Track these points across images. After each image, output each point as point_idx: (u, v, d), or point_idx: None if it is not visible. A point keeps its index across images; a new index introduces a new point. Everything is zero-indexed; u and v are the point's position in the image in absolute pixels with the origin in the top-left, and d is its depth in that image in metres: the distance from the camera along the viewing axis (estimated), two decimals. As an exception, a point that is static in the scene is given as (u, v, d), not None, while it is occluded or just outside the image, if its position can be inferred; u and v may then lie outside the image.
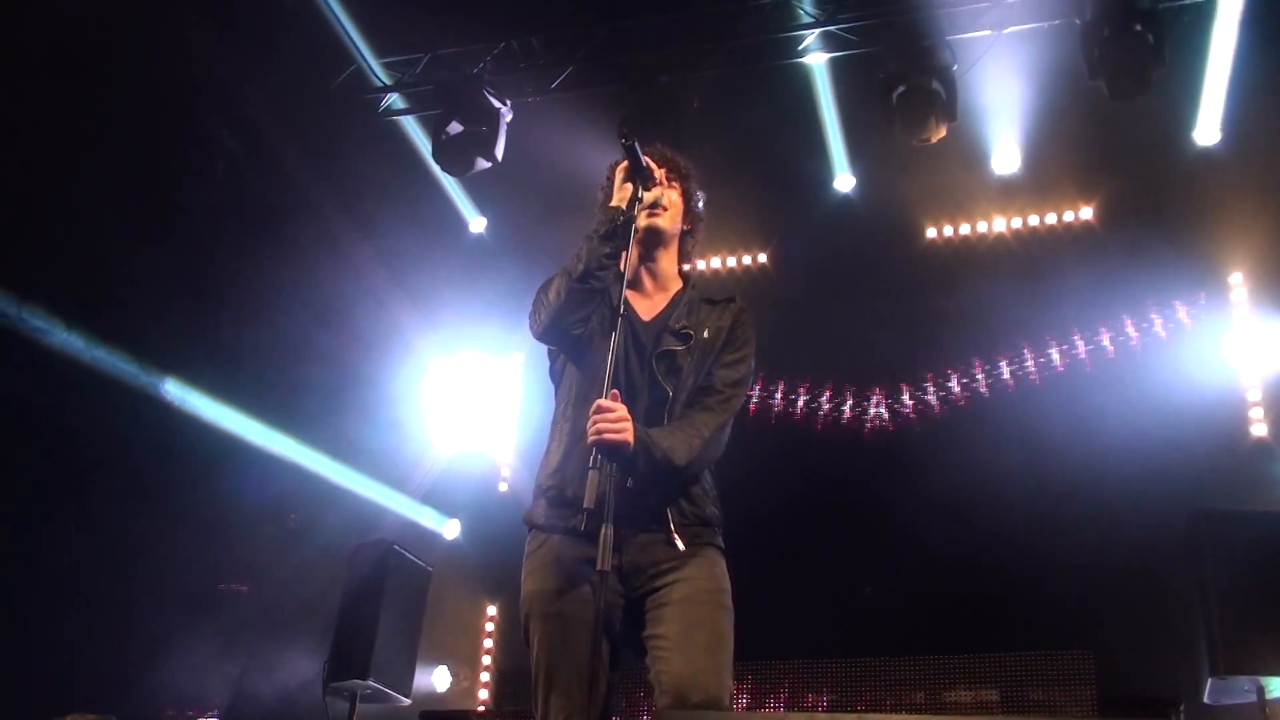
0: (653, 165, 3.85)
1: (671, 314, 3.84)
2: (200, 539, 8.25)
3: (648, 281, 3.95)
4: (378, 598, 7.68)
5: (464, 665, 9.32)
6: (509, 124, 8.56)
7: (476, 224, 9.81)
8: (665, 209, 3.89)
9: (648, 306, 3.90)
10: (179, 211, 8.50)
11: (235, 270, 8.88)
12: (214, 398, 8.37)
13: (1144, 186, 8.43)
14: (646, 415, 3.63)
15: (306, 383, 8.81)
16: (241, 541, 8.65)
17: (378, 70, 8.86)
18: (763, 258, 9.58)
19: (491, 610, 9.44)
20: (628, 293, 3.74)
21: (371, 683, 7.45)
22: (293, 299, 8.83)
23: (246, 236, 8.94)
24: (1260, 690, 6.15)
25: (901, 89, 7.82)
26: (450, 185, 9.44)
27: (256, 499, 8.59)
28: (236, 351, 8.82)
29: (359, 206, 9.12)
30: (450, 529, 9.70)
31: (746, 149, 8.92)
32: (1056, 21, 7.75)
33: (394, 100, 9.02)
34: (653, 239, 3.89)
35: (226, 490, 8.35)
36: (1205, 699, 6.96)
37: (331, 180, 8.92)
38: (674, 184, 3.97)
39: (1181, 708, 7.06)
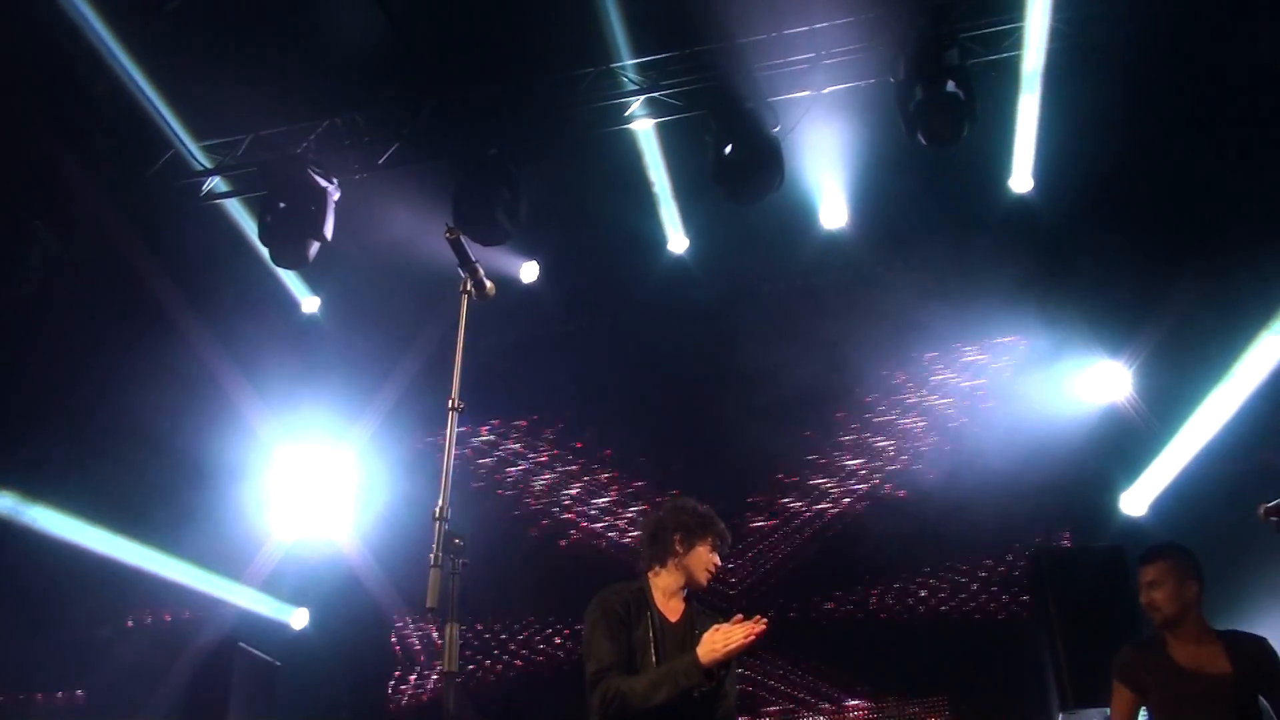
0: None
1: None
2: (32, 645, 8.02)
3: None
4: (224, 696, 7.65)
5: None
6: (337, 202, 8.53)
7: (309, 304, 9.76)
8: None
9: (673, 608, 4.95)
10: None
11: (63, 364, 8.69)
12: (42, 502, 8.16)
13: (964, 233, 8.76)
14: None
15: (143, 475, 8.65)
16: (75, 645, 8.41)
17: (197, 153, 8.79)
18: (600, 319, 9.77)
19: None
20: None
21: None
22: (128, 390, 8.65)
23: (71, 328, 8.75)
24: (1109, 720, 6.39)
25: (728, 150, 8.05)
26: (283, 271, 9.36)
27: (90, 601, 8.38)
28: (67, 451, 8.61)
29: (191, 291, 9.00)
30: (298, 618, 9.59)
31: (580, 216, 9.08)
32: (872, 81, 8.07)
33: (216, 183, 8.95)
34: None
35: (58, 594, 8.13)
36: (1054, 733, 7.27)
37: (159, 266, 8.79)
38: None
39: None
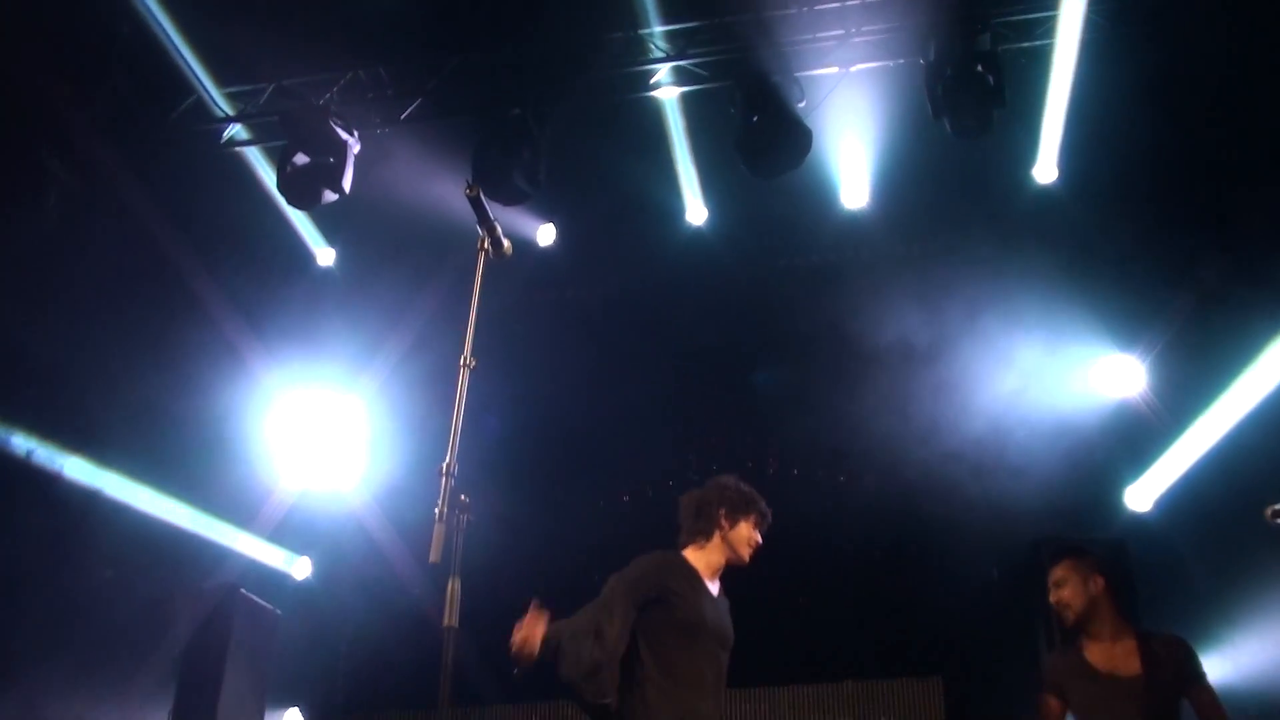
0: None
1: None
2: (33, 588, 8.08)
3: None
4: (224, 643, 7.74)
5: (319, 709, 9.31)
6: (357, 155, 8.56)
7: (324, 256, 9.79)
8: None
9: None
10: (9, 243, 8.33)
11: (67, 305, 8.73)
12: (47, 441, 8.22)
13: (987, 221, 8.79)
14: None
15: (145, 419, 8.68)
16: (76, 588, 8.48)
17: (219, 100, 8.83)
18: (615, 287, 9.79)
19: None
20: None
21: None
22: (130, 335, 8.69)
23: (82, 270, 8.79)
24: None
25: (753, 122, 8.07)
26: (297, 217, 9.43)
27: (91, 544, 8.44)
28: (70, 390, 8.66)
29: (203, 238, 9.04)
30: (300, 568, 9.68)
31: (599, 182, 9.13)
32: (901, 61, 8.09)
33: (237, 131, 9.01)
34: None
35: (58, 535, 8.19)
36: None
37: (173, 212, 8.82)
38: None
39: (1027, 732, 7.44)
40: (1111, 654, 5.58)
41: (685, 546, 5.06)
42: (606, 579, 4.82)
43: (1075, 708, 5.65)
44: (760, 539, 5.08)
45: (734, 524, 5.01)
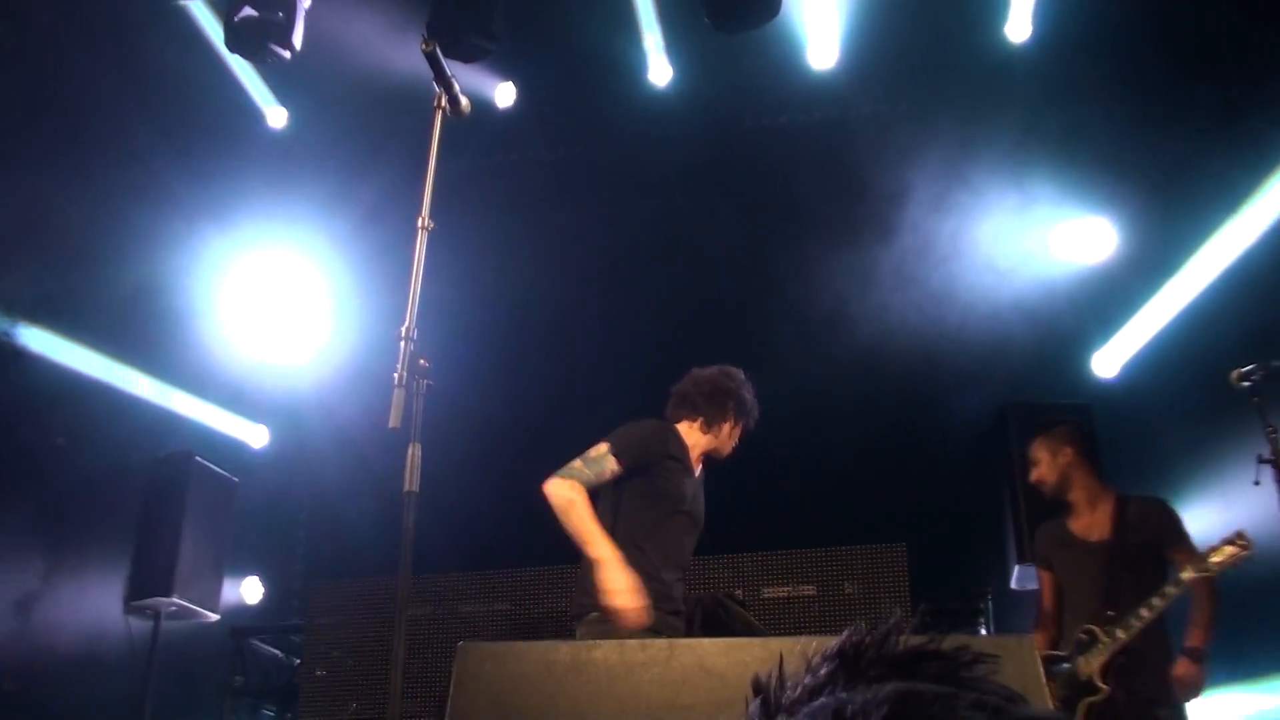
0: None
1: None
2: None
3: None
4: (180, 511, 7.73)
5: (277, 578, 9.37)
6: (308, 10, 8.31)
7: (276, 116, 9.56)
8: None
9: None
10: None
11: (11, 163, 8.50)
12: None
13: (958, 80, 8.67)
14: None
15: (93, 284, 8.52)
16: (26, 457, 8.40)
17: (163, -51, 8.51)
18: (577, 149, 9.61)
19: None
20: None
21: (176, 599, 7.51)
22: (76, 196, 8.48)
23: (16, 125, 8.54)
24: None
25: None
26: (247, 75, 9.20)
27: (41, 411, 8.34)
28: (19, 256, 8.48)
29: (147, 95, 8.77)
30: (257, 435, 9.65)
31: (560, 38, 8.96)
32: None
33: (181, -18, 8.68)
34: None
35: (2, 403, 8.08)
36: (1012, 584, 7.48)
37: (115, 66, 8.54)
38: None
39: (990, 594, 7.57)
40: (1090, 521, 5.71)
41: (679, 420, 5.11)
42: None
43: (1060, 575, 5.76)
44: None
45: (736, 423, 5.18)
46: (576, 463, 4.76)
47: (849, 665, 1.00)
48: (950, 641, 1.00)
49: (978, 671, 0.98)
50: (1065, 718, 5.16)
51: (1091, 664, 5.36)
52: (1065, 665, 5.48)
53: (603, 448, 4.81)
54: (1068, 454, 5.84)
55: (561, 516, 4.64)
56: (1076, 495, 5.83)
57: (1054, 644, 5.73)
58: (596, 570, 4.53)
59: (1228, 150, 7.65)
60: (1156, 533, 5.57)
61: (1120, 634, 5.32)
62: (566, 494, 4.64)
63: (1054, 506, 6.11)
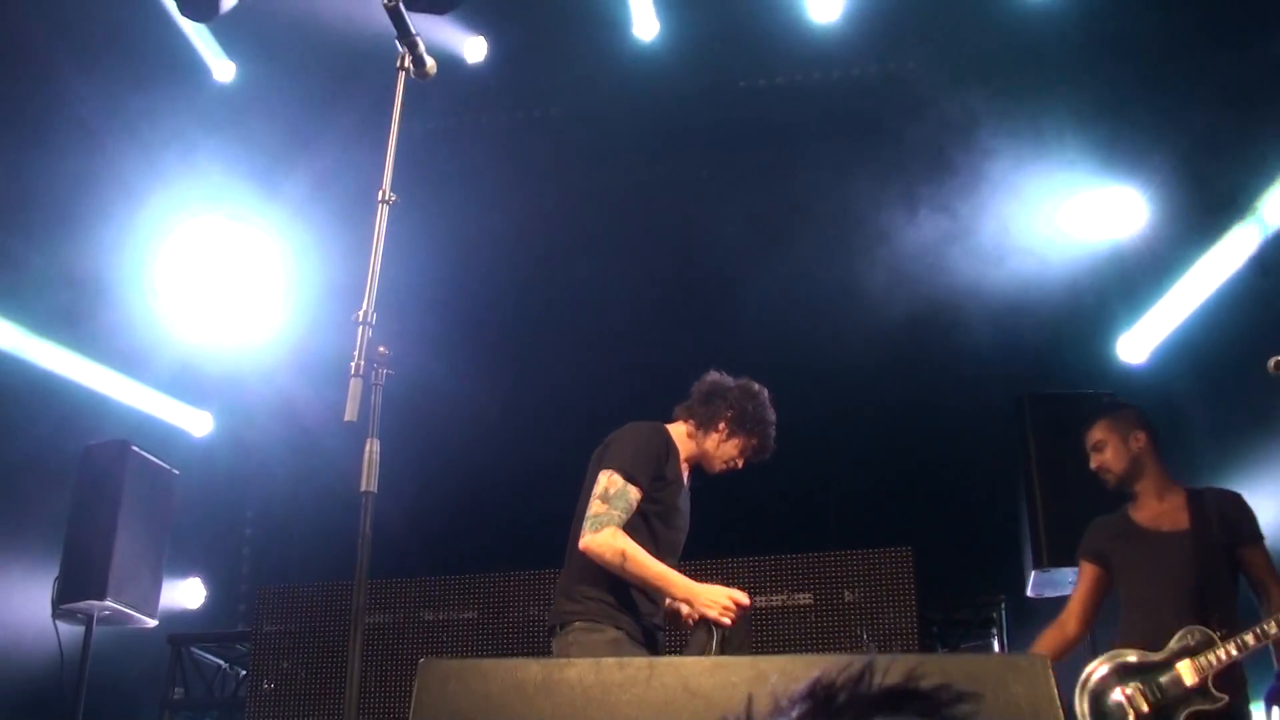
0: None
1: None
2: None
3: None
4: (114, 506, 7.57)
5: (222, 580, 9.32)
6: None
7: (223, 70, 9.35)
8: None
9: None
10: None
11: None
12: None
13: (971, 39, 8.52)
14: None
15: (11, 251, 8.34)
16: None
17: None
18: (554, 110, 9.45)
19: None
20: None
21: (110, 603, 7.39)
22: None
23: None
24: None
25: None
26: (195, 30, 9.03)
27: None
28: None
29: (77, 42, 8.50)
30: (200, 423, 9.45)
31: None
32: None
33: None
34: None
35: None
36: (1029, 592, 7.29)
37: (39, 9, 8.31)
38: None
39: (1003, 603, 7.41)
40: (1159, 512, 5.54)
41: (677, 419, 5.00)
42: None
43: (1120, 570, 5.57)
44: (741, 466, 5.05)
45: (729, 436, 4.95)
46: (598, 505, 4.60)
47: (821, 708, 1.04)
48: (930, 679, 1.04)
49: (959, 712, 1.03)
50: None
51: (1204, 669, 5.16)
52: (1164, 667, 5.25)
53: (616, 480, 4.63)
54: (1140, 439, 5.63)
55: (620, 572, 4.52)
56: (1145, 485, 5.63)
57: (1077, 642, 5.61)
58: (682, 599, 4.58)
59: (1267, 115, 7.46)
60: (1235, 528, 5.41)
61: (1249, 640, 5.11)
62: (612, 544, 4.50)
63: (1080, 504, 5.96)
